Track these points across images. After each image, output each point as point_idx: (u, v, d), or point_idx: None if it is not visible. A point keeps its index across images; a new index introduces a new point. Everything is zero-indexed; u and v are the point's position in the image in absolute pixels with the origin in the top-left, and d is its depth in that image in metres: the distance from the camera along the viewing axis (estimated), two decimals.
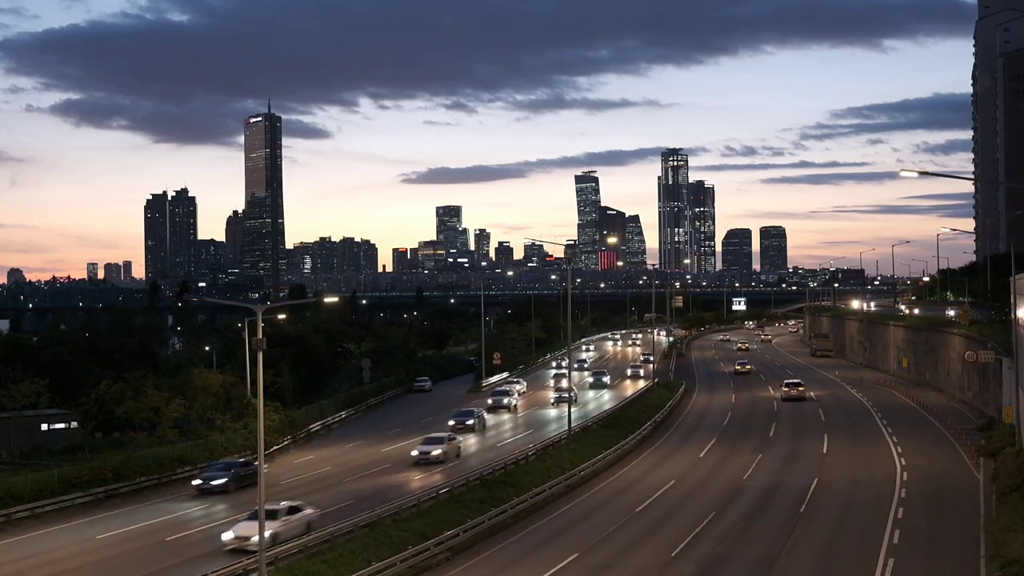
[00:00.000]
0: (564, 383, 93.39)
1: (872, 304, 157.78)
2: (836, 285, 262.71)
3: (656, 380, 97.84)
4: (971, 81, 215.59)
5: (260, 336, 32.29)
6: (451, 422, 73.34)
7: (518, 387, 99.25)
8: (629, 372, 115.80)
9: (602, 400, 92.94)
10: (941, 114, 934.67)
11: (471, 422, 73.82)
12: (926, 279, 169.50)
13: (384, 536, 37.77)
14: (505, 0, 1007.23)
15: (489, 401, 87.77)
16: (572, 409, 69.85)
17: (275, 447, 66.20)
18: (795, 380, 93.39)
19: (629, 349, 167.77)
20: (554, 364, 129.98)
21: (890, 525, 39.91)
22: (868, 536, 38.34)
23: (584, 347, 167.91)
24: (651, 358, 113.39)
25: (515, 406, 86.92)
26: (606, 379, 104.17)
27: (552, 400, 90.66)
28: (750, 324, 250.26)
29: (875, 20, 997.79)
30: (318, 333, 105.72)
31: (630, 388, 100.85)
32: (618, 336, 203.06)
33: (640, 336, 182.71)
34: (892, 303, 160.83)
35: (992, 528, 36.89)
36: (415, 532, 38.45)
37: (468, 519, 40.65)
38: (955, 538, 37.79)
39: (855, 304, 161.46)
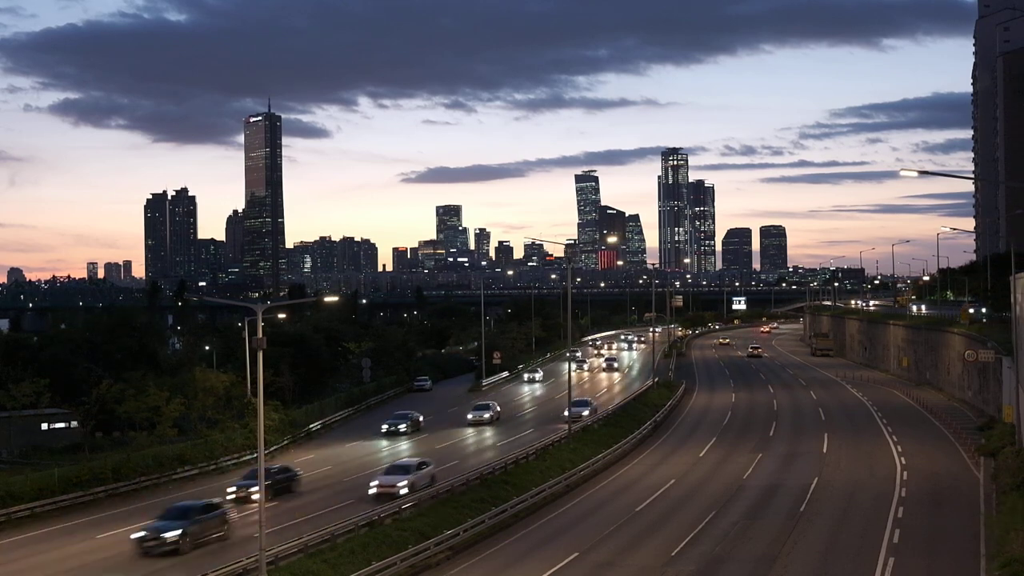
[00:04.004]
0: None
1: (923, 307, 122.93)
2: (836, 284, 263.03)
3: (656, 379, 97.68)
4: (971, 80, 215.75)
5: (260, 335, 32.32)
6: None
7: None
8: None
9: None
10: (941, 113, 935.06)
11: None
12: (926, 278, 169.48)
13: (384, 535, 37.77)
14: (504, 0, 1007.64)
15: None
16: None
17: (275, 446, 66.22)
18: (756, 344, 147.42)
19: (604, 375, 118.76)
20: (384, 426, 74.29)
21: (890, 524, 39.90)
22: (868, 535, 38.33)
23: (527, 375, 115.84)
24: (586, 409, 75.20)
25: None
26: None
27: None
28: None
29: (874, 19, 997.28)
30: (318, 333, 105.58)
31: None
32: (578, 355, 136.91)
33: (604, 352, 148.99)
34: (892, 303, 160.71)
35: (992, 527, 36.90)
36: (415, 531, 38.46)
37: (468, 518, 40.65)
38: (955, 537, 37.78)
39: (915, 308, 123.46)
